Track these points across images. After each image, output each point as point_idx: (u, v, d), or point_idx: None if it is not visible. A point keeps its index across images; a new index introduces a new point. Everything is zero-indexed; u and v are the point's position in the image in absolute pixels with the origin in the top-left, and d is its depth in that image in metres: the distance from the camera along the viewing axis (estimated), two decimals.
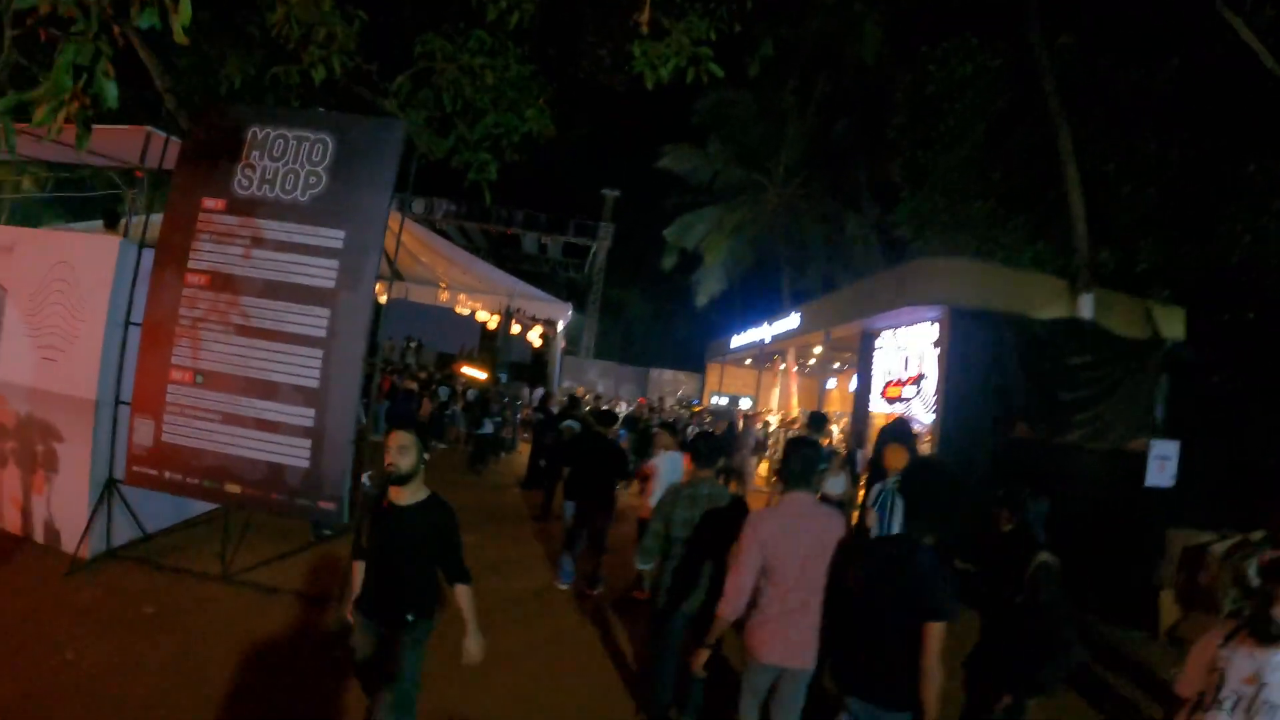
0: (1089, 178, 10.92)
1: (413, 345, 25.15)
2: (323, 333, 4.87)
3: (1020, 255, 12.55)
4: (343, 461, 4.91)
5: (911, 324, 11.44)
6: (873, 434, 12.28)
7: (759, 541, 3.14)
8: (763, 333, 18.76)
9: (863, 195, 19.39)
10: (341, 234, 4.87)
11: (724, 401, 22.41)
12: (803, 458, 3.31)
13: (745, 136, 21.45)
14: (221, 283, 5.01)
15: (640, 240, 28.77)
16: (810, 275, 22.51)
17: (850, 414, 13.32)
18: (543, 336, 20.64)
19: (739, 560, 3.17)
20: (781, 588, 3.14)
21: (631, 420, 13.67)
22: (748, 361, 25.29)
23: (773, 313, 19.41)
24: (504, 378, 13.49)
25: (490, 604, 4.93)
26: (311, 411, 4.88)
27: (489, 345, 27.29)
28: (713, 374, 26.38)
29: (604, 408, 15.13)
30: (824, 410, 22.37)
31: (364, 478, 4.50)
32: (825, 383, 24.38)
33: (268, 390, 4.92)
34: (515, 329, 18.41)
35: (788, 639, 3.15)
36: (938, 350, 10.63)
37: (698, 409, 18.26)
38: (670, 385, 27.05)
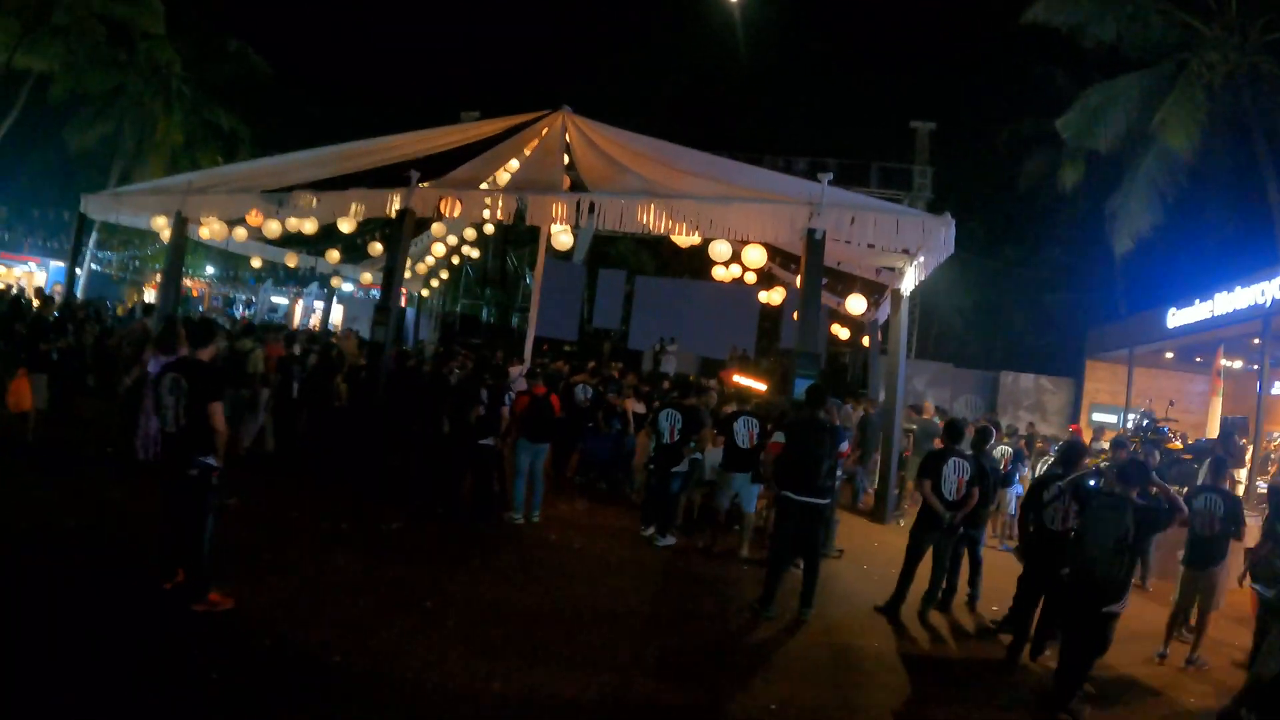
0: None
1: (670, 349, 20.05)
2: None
3: None
4: None
5: None
6: None
7: None
8: (1266, 290, 10.44)
9: None
10: None
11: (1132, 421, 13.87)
12: None
13: None
14: None
15: (964, 189, 20.87)
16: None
17: None
18: (858, 320, 14.08)
19: None
20: None
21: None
22: (1169, 355, 16.31)
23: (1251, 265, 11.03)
24: (798, 387, 7.11)
25: None
26: None
27: (771, 341, 21.00)
28: (1099, 378, 17.64)
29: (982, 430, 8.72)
30: None
31: None
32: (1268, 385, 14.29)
33: None
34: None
35: None
36: None
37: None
38: (1030, 396, 18.69)
